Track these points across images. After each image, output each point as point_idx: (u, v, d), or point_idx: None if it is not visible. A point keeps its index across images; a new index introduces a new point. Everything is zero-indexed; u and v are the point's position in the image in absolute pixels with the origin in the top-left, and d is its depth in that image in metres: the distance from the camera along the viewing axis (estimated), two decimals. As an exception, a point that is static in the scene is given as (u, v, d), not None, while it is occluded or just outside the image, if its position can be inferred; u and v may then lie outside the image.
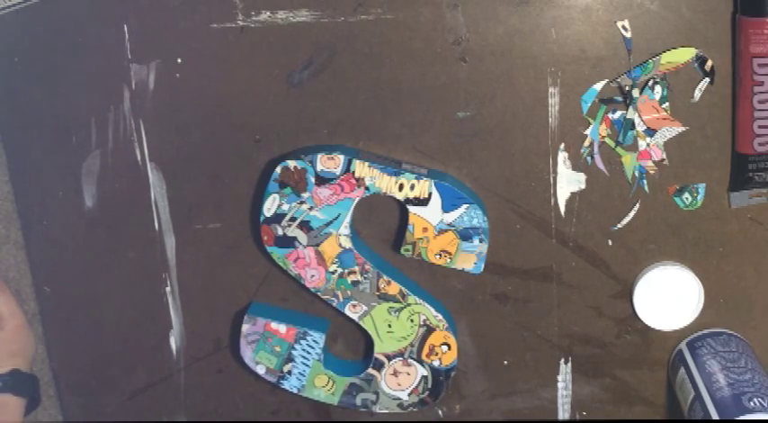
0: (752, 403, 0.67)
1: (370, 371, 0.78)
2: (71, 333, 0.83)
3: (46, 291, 0.82)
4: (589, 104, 0.72)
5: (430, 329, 0.76)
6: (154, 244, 0.79)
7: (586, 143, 0.73)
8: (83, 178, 0.78)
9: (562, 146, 0.73)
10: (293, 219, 0.73)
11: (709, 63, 0.69)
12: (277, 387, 0.79)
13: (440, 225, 0.73)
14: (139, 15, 0.73)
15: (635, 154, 0.73)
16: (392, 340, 0.77)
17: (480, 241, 0.73)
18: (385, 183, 0.72)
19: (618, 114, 0.72)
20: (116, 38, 0.73)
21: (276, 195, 0.73)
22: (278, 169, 0.72)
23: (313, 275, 0.75)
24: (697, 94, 0.71)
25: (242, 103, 0.74)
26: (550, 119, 0.72)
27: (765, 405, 0.66)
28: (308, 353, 0.78)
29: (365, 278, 0.75)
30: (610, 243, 0.75)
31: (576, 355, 0.79)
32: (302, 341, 0.77)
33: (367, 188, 0.72)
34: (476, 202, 0.72)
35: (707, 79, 0.70)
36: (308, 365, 0.78)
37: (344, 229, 0.73)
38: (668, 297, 0.75)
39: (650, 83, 0.71)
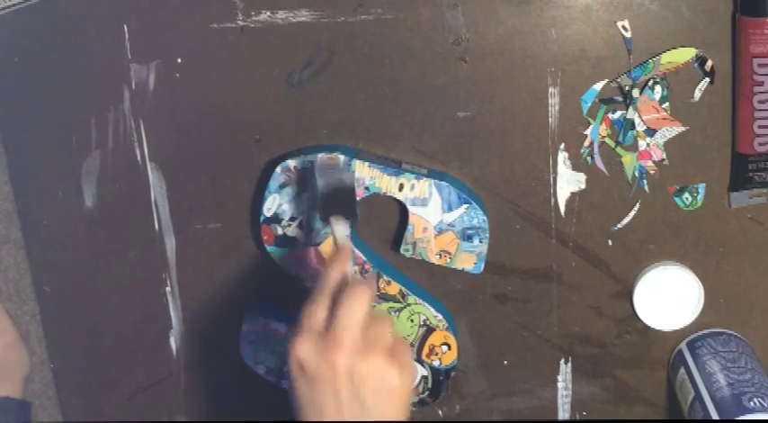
0: (752, 403, 0.67)
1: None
2: (71, 333, 0.83)
3: (46, 291, 0.82)
4: (589, 104, 0.72)
5: (430, 329, 0.76)
6: (154, 244, 0.79)
7: (586, 143, 0.73)
8: (83, 178, 0.78)
9: (562, 146, 0.73)
10: (293, 219, 0.73)
11: (709, 63, 0.70)
12: (277, 387, 0.79)
13: (440, 225, 0.73)
14: (139, 15, 0.73)
15: (635, 154, 0.73)
16: (392, 340, 0.77)
17: (480, 241, 0.73)
18: (385, 183, 0.72)
19: (618, 114, 0.72)
20: (116, 38, 0.73)
21: (276, 195, 0.73)
22: (278, 169, 0.72)
23: (313, 275, 0.75)
24: (697, 94, 0.71)
25: (242, 103, 0.74)
26: (550, 119, 0.72)
27: (765, 405, 0.66)
28: (308, 353, 0.77)
29: (365, 278, 0.75)
30: (610, 243, 0.75)
31: (576, 355, 0.79)
32: (302, 341, 0.77)
33: (367, 188, 0.72)
34: (476, 202, 0.72)
35: (707, 79, 0.70)
36: (308, 365, 0.78)
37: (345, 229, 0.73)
38: (668, 297, 0.75)
39: (650, 83, 0.71)
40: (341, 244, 0.63)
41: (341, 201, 0.67)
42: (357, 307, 0.56)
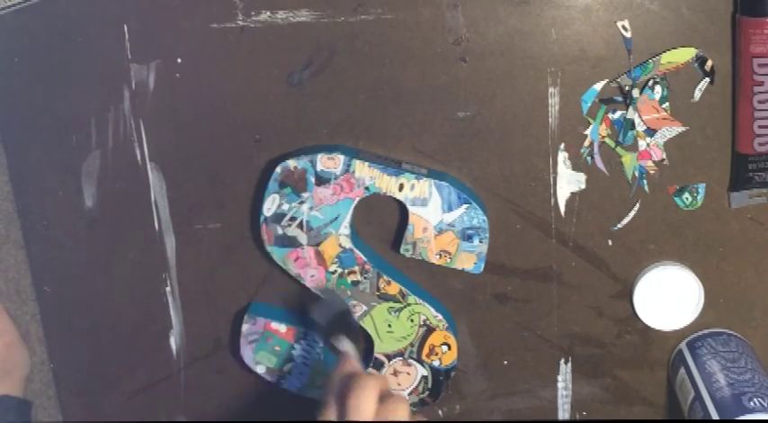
0: (752, 403, 0.67)
1: (370, 371, 0.78)
2: (71, 333, 0.83)
3: (46, 291, 0.82)
4: (589, 104, 0.72)
5: (430, 329, 0.76)
6: (154, 244, 0.79)
7: (586, 143, 0.73)
8: (83, 178, 0.78)
9: (562, 146, 0.73)
10: (293, 219, 0.73)
11: (709, 63, 0.69)
12: (277, 387, 0.79)
13: (440, 225, 0.73)
14: (139, 15, 0.73)
15: (635, 154, 0.73)
16: (392, 340, 0.77)
17: (480, 241, 0.73)
18: (385, 183, 0.72)
19: (618, 114, 0.72)
20: (116, 38, 0.73)
21: (276, 195, 0.73)
22: (278, 169, 0.72)
23: (313, 275, 0.75)
24: (697, 94, 0.71)
25: (242, 103, 0.74)
26: (550, 119, 0.72)
27: (765, 405, 0.66)
28: (308, 353, 0.78)
29: (365, 278, 0.75)
30: (610, 243, 0.75)
31: (576, 355, 0.79)
32: (302, 341, 0.77)
33: (367, 188, 0.72)
34: (476, 202, 0.72)
35: (707, 79, 0.70)
36: (307, 365, 0.78)
37: (344, 229, 0.73)
38: (668, 297, 0.75)
39: (650, 83, 0.71)
40: (345, 355, 0.67)
41: (343, 327, 0.70)
42: (364, 397, 0.57)
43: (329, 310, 0.72)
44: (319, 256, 0.74)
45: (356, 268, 0.74)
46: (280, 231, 0.74)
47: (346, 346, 0.68)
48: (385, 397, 0.59)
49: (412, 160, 0.74)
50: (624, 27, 0.70)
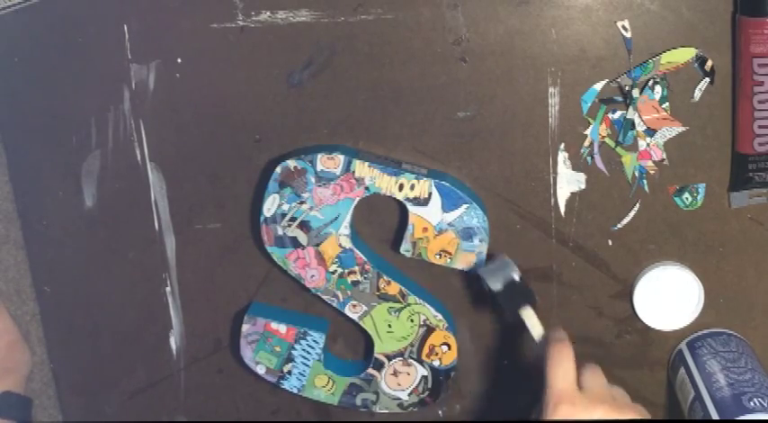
0: (752, 403, 0.67)
1: (370, 371, 0.78)
2: (71, 333, 0.83)
3: (46, 291, 0.82)
4: (589, 104, 0.72)
5: (430, 329, 0.76)
6: (154, 244, 0.79)
7: (586, 143, 0.73)
8: (83, 178, 0.78)
9: (562, 146, 0.73)
10: (293, 219, 0.73)
11: (710, 63, 0.69)
12: (277, 387, 0.80)
13: (440, 225, 0.73)
14: (139, 15, 0.73)
15: (635, 154, 0.73)
16: (392, 340, 0.77)
17: (480, 241, 0.73)
18: (385, 183, 0.72)
19: (618, 114, 0.72)
20: (116, 38, 0.73)
21: (276, 195, 0.73)
22: (278, 169, 0.72)
23: (313, 275, 0.75)
24: (697, 94, 0.71)
25: (242, 103, 0.74)
26: (550, 119, 0.72)
27: (765, 405, 0.66)
28: (308, 353, 0.78)
29: (365, 278, 0.75)
30: (610, 243, 0.75)
31: (576, 355, 0.79)
32: (302, 341, 0.77)
33: (367, 188, 0.72)
34: (476, 202, 0.72)
35: (707, 79, 0.70)
36: (308, 365, 0.78)
37: (344, 229, 0.73)
38: (668, 297, 0.75)
39: (650, 83, 0.71)
40: (541, 336, 0.68)
41: (517, 291, 0.70)
42: (559, 364, 0.62)
43: (501, 281, 0.70)
44: (319, 257, 0.74)
45: (356, 268, 0.74)
46: (280, 231, 0.74)
47: (534, 322, 0.68)
48: (581, 366, 0.62)
49: (412, 160, 0.74)
50: (624, 27, 0.70)
